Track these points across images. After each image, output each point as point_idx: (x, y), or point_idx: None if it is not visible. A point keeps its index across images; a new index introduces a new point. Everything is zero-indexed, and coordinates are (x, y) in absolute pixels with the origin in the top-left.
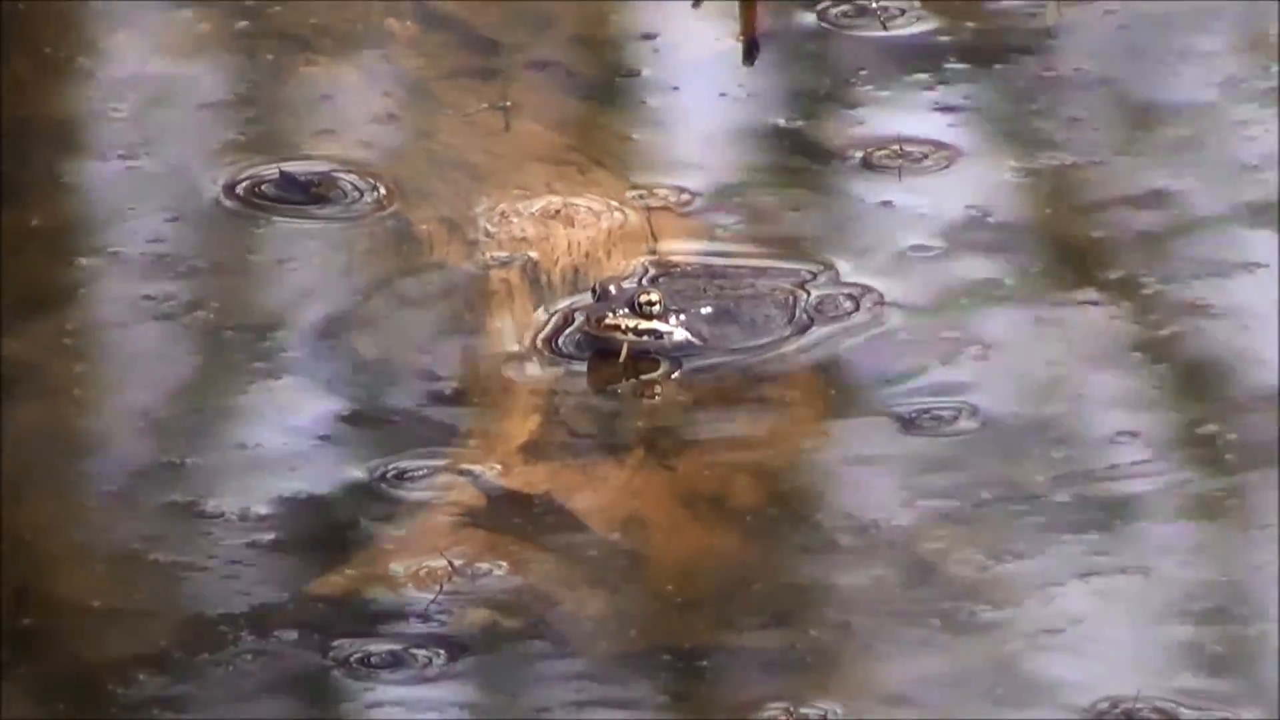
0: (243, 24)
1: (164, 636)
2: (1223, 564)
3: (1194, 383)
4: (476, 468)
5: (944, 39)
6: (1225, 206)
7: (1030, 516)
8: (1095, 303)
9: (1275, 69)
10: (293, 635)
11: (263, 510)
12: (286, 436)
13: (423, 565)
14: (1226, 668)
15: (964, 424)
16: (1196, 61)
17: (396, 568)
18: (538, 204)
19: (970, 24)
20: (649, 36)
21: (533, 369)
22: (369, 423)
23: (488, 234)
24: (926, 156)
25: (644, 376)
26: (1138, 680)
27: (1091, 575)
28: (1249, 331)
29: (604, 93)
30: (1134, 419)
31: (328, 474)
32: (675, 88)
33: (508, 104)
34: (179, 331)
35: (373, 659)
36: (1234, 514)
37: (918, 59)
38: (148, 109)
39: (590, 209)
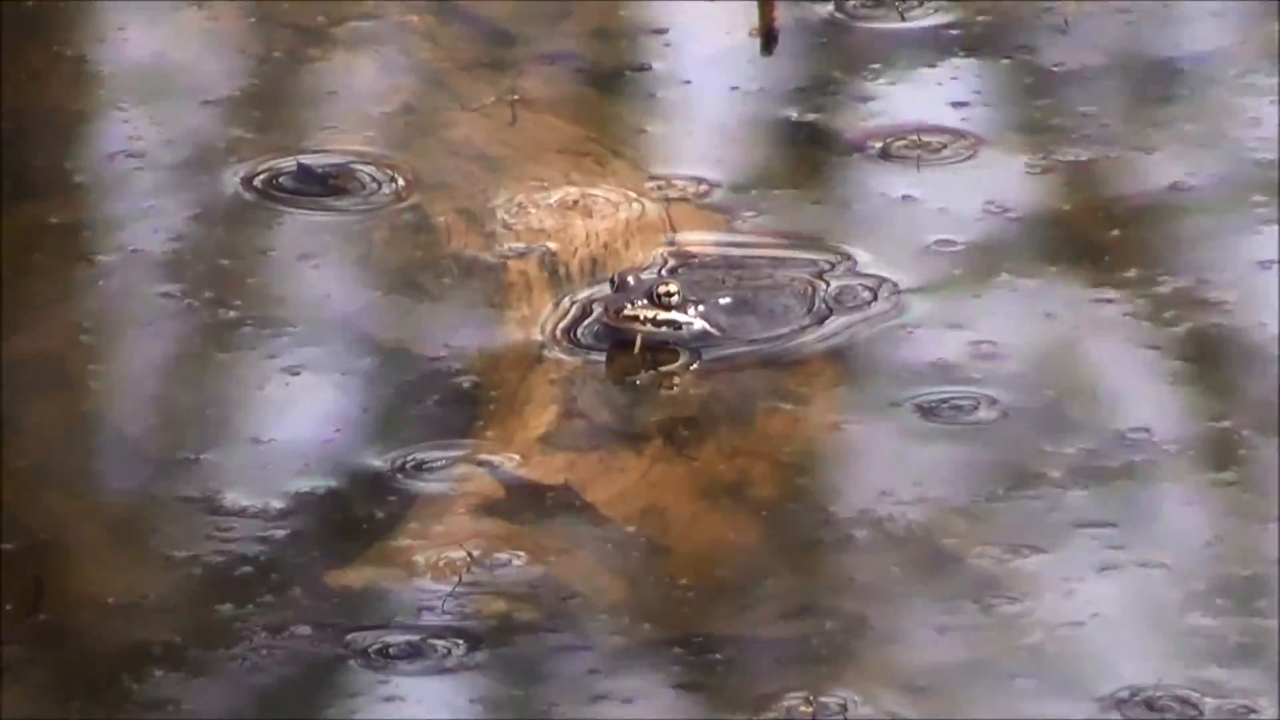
0: (252, 19)
1: (180, 631)
2: (1241, 556)
3: (1209, 379)
4: (494, 458)
5: (960, 31)
6: (1240, 203)
7: (1049, 509)
8: (1112, 300)
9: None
10: (309, 628)
11: (279, 503)
12: (303, 429)
13: (441, 556)
14: (1247, 658)
15: (982, 414)
16: (1206, 57)
17: (414, 559)
18: (555, 195)
19: (986, 17)
20: (660, 31)
21: (551, 360)
22: (386, 415)
23: (505, 225)
24: (945, 147)
25: (662, 367)
26: (1158, 670)
27: (1110, 568)
28: (1264, 328)
29: (617, 86)
30: (1149, 414)
31: (345, 466)
32: (688, 81)
33: (515, 97)
34: (196, 326)
35: (390, 650)
36: (1251, 507)
37: (934, 51)
38: (160, 104)
39: (608, 200)
